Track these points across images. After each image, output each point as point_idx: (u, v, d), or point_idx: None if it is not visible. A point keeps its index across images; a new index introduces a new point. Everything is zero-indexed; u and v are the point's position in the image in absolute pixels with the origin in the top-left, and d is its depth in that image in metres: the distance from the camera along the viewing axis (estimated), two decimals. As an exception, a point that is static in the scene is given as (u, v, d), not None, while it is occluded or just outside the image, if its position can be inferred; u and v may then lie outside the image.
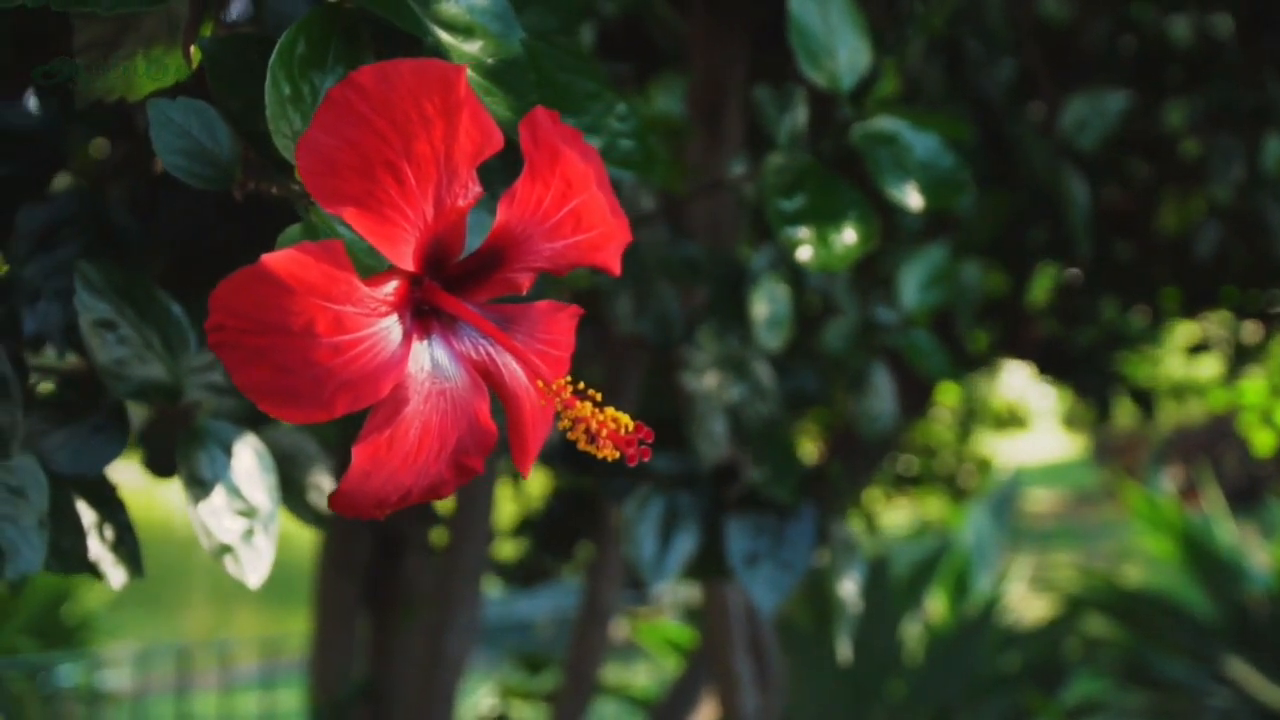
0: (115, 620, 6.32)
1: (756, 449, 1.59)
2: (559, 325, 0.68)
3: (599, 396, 0.62)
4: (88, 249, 1.11)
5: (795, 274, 1.70)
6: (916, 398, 2.72)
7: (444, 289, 0.64)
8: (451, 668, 2.33)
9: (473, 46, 0.75)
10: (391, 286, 0.62)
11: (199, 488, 0.98)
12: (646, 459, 0.61)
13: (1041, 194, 1.89)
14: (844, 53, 1.08)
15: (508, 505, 2.52)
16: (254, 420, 1.05)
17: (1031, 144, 1.78)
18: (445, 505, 2.40)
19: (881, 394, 1.73)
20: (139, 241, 1.13)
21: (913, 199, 1.11)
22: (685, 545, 1.60)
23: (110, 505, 1.01)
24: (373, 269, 0.62)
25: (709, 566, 1.69)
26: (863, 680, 3.44)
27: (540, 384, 0.62)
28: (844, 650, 1.71)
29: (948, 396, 3.69)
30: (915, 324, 1.66)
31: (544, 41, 1.00)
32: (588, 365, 1.78)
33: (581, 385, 0.62)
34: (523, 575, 2.54)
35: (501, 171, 0.91)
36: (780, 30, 1.73)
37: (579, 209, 0.65)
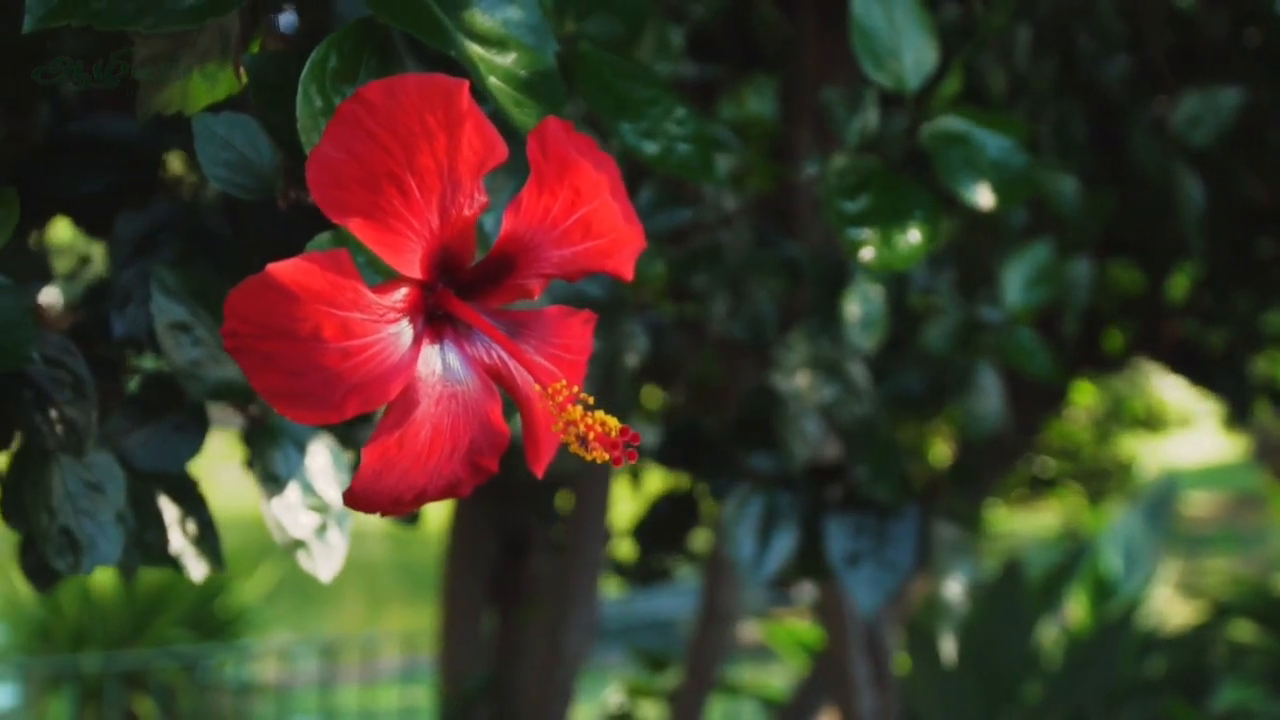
0: (267, 614, 6.49)
1: (854, 449, 1.59)
2: (572, 330, 0.70)
3: (591, 400, 0.63)
4: (183, 255, 1.15)
5: (899, 273, 1.70)
6: (1048, 398, 2.69)
7: (458, 295, 0.66)
8: (569, 663, 2.36)
9: (506, 59, 0.77)
10: (401, 293, 0.64)
11: (273, 484, 1.01)
12: (633, 460, 0.62)
13: (1156, 191, 1.85)
14: (909, 54, 1.08)
15: (631, 504, 2.55)
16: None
17: (1141, 141, 1.76)
18: (566, 504, 2.43)
19: (988, 394, 1.72)
20: (231, 247, 1.17)
21: (983, 198, 1.11)
22: (784, 545, 1.60)
23: (192, 501, 1.05)
24: (392, 274, 0.64)
25: (810, 566, 1.69)
26: (995, 683, 3.40)
27: (537, 388, 0.64)
28: (948, 651, 1.71)
29: (1083, 397, 3.63)
30: (1018, 323, 1.64)
31: (604, 48, 1.01)
32: (685, 364, 1.79)
33: (576, 390, 0.63)
34: (641, 575, 2.56)
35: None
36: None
37: (588, 217, 0.67)
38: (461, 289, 0.67)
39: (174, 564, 1.03)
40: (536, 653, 2.47)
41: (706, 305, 1.53)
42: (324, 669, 4.88)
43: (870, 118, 1.15)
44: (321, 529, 1.03)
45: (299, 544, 1.01)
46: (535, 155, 0.65)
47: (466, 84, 0.62)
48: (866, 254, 1.05)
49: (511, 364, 0.67)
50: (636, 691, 2.94)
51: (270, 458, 1.02)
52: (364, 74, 0.73)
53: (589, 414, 0.63)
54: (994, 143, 1.13)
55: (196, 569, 1.04)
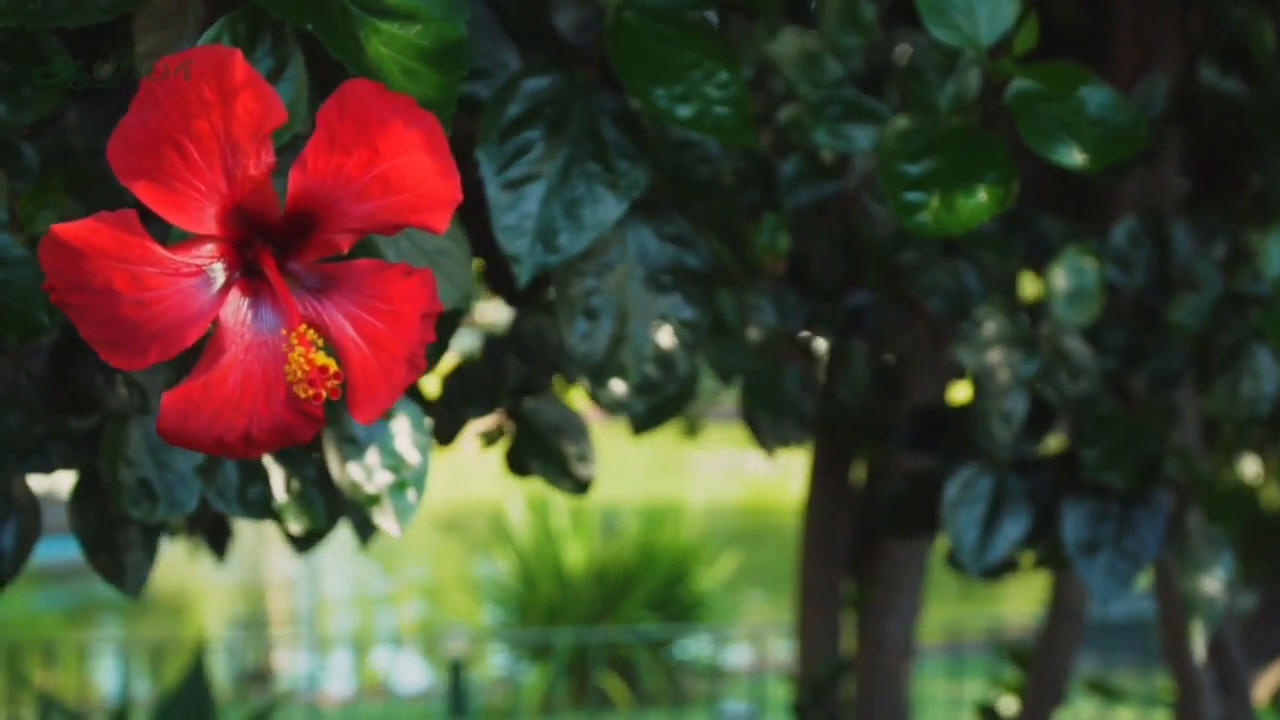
0: (732, 599, 6.69)
1: (1082, 431, 1.52)
2: (390, 282, 0.73)
3: (320, 342, 0.67)
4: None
5: (1162, 243, 1.60)
6: None
7: (277, 251, 0.71)
8: (893, 652, 2.34)
9: (411, 30, 0.81)
10: (207, 249, 0.69)
11: (351, 446, 1.09)
12: (335, 398, 0.66)
13: None
14: (984, 8, 1.04)
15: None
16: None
17: None
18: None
19: (1258, 375, 1.59)
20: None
21: (1077, 158, 1.05)
22: (1013, 531, 1.54)
23: (297, 460, 1.14)
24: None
25: (1047, 555, 1.62)
26: None
27: (272, 329, 0.69)
28: (1199, 650, 1.59)
29: None
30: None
31: (646, 16, 1.03)
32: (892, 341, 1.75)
33: (305, 329, 0.67)
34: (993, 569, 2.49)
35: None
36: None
37: (388, 173, 0.70)
38: (281, 246, 0.71)
39: (275, 517, 1.12)
40: (867, 641, 2.46)
41: (916, 280, 1.49)
42: (756, 655, 4.98)
43: (970, 81, 1.10)
44: (399, 486, 1.09)
45: (373, 499, 1.09)
46: (330, 115, 0.69)
47: (238, 53, 0.67)
48: (921, 218, 1.02)
49: (328, 315, 0.72)
50: (1005, 688, 2.86)
51: (348, 420, 1.09)
52: (260, 53, 0.79)
53: (308, 353, 0.66)
54: (1096, 98, 1.06)
55: (295, 524, 1.13)
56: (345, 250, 0.72)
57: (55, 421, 1.08)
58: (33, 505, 1.18)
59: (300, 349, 0.67)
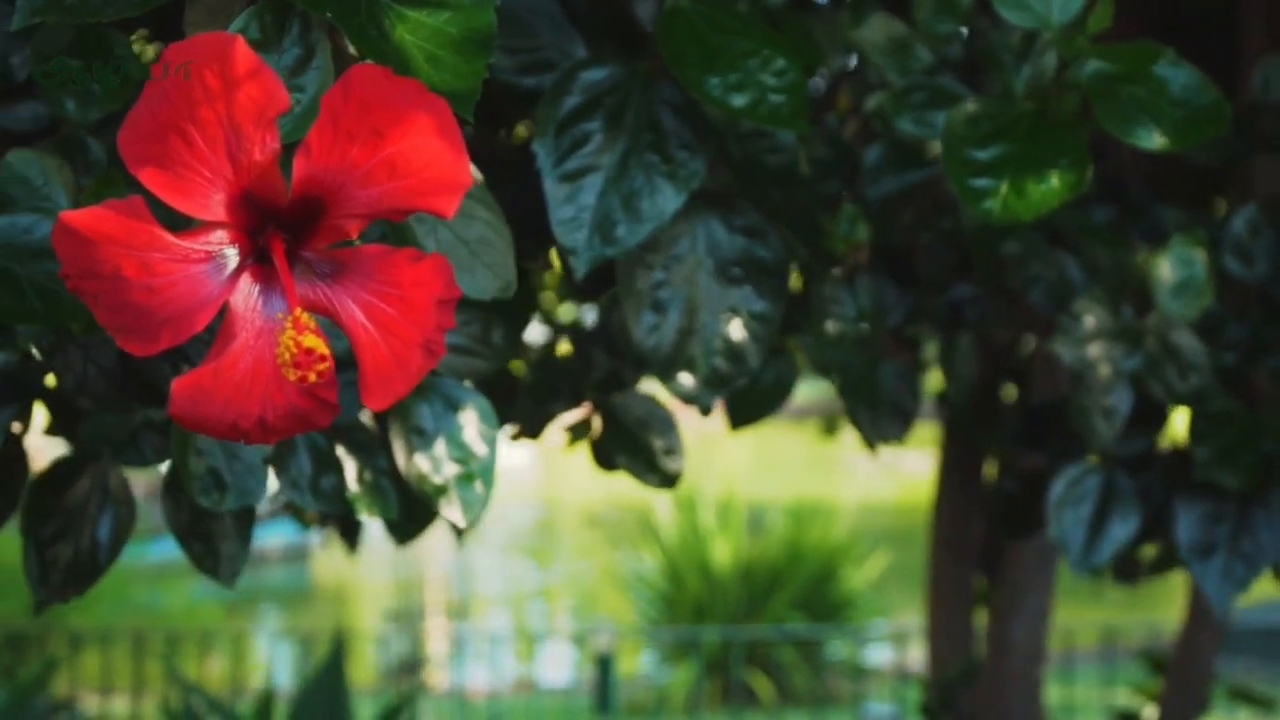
0: (880, 599, 6.61)
1: (1195, 428, 1.46)
2: (398, 267, 0.72)
3: (313, 324, 0.66)
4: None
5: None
6: None
7: (290, 237, 0.71)
8: (1020, 655, 2.29)
9: (440, 17, 0.80)
10: (216, 235, 0.69)
11: (419, 437, 1.09)
12: (326, 380, 0.66)
13: None
14: (1056, -13, 1.00)
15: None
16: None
17: None
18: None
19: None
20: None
21: (1157, 140, 1.01)
22: (1122, 532, 1.49)
23: (369, 452, 1.14)
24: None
25: (1162, 558, 1.57)
26: None
27: (280, 315, 0.68)
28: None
29: None
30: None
31: (704, 4, 1.01)
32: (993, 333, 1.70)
33: (302, 315, 0.67)
34: (1124, 571, 2.42)
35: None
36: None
37: (393, 158, 0.69)
38: (292, 232, 0.71)
39: (348, 507, 1.13)
40: (995, 643, 2.40)
41: (1018, 272, 1.45)
42: (900, 657, 4.92)
43: (1047, 64, 1.06)
44: (466, 478, 1.09)
45: (440, 490, 1.08)
46: (335, 100, 0.69)
47: (239, 39, 0.67)
48: (989, 204, 0.99)
49: (338, 300, 0.71)
50: (1147, 695, 2.77)
51: (416, 412, 1.09)
52: (288, 43, 0.79)
53: (298, 338, 0.66)
54: (1178, 78, 1.02)
55: (367, 515, 1.13)
56: (354, 235, 0.71)
57: (138, 413, 1.10)
58: (128, 497, 1.20)
59: (291, 331, 0.66)
